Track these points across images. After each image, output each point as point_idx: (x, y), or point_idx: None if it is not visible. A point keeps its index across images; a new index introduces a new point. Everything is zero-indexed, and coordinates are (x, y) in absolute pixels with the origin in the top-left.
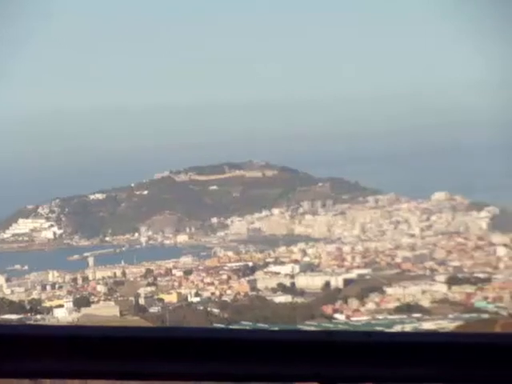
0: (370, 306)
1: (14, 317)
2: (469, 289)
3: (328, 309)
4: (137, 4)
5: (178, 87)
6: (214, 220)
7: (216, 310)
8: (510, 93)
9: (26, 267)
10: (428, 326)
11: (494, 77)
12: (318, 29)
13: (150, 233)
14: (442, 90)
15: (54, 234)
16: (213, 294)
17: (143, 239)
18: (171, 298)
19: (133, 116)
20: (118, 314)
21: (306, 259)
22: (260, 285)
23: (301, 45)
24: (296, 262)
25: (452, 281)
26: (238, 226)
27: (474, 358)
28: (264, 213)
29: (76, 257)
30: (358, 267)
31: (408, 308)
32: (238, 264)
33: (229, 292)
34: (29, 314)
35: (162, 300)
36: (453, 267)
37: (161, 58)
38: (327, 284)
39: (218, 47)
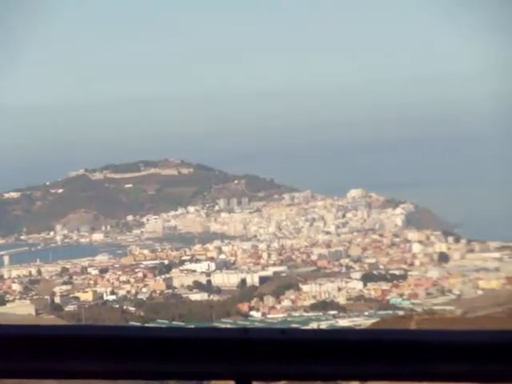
0: (286, 303)
1: None
2: (384, 286)
3: (244, 306)
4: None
5: (91, 84)
6: (130, 218)
7: (132, 308)
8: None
9: None
10: (344, 323)
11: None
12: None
13: (65, 231)
14: (350, 90)
15: None
16: (128, 292)
17: (59, 238)
18: (87, 296)
19: (46, 113)
20: (34, 312)
21: (222, 257)
22: (176, 283)
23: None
24: (212, 259)
25: (367, 278)
26: (154, 224)
27: (390, 354)
28: (180, 211)
29: None
30: (274, 265)
31: (324, 305)
32: (153, 262)
33: (144, 290)
34: None
35: (77, 298)
36: (368, 264)
37: (80, 55)
38: (243, 281)
39: (138, 43)
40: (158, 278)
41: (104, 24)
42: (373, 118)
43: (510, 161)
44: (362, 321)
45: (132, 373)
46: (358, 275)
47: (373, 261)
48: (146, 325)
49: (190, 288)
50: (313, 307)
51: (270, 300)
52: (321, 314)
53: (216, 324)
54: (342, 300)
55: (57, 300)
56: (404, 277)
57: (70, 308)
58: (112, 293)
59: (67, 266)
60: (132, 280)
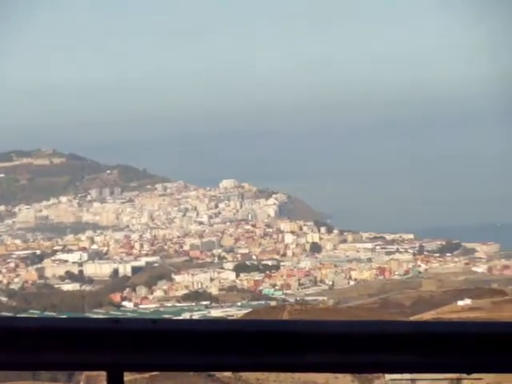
0: (159, 293)
1: None
2: (257, 276)
3: (116, 297)
4: None
5: None
6: (2, 208)
7: (4, 299)
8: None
9: None
10: (216, 313)
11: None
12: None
13: None
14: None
15: None
16: (0, 282)
17: None
18: None
19: None
20: None
21: (94, 247)
22: (48, 273)
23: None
24: (84, 249)
25: (240, 268)
26: (26, 213)
27: (261, 345)
28: (52, 201)
29: None
30: (147, 255)
31: (196, 295)
32: (25, 252)
33: (16, 280)
34: None
35: None
36: (241, 254)
37: None
38: (115, 272)
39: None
40: (30, 268)
41: None
42: (242, 109)
43: (385, 154)
44: (234, 311)
45: (2, 364)
46: (230, 266)
47: (245, 251)
48: (18, 315)
49: (62, 278)
50: (185, 297)
51: (142, 290)
52: (193, 304)
53: (88, 314)
54: (214, 290)
55: None
56: (276, 267)
57: None
58: None
59: None
60: (4, 270)
